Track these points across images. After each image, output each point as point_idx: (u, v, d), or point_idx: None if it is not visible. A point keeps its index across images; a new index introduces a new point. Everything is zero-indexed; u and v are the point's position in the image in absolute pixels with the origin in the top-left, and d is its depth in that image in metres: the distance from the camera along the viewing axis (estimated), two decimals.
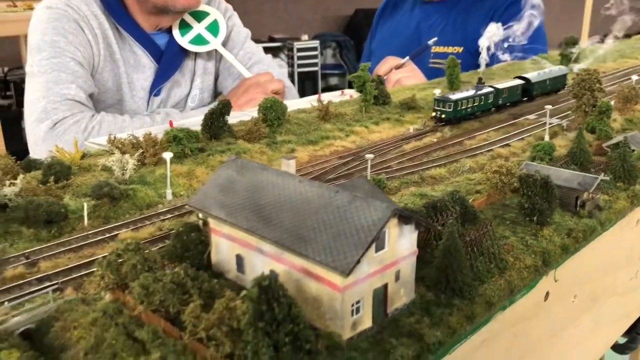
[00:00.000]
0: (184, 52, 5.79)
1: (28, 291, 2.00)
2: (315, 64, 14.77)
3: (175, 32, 5.73)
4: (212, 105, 5.60)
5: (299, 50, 14.57)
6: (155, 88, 5.68)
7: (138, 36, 5.56)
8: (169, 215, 2.64)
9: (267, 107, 3.55)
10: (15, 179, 2.69)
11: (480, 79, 4.14)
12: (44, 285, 2.02)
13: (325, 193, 1.85)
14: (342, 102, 4.30)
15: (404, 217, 1.79)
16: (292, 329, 1.52)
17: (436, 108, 3.72)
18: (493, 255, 2.16)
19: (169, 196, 2.75)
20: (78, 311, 1.94)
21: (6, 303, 1.91)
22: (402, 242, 1.83)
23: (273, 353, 1.50)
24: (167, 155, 2.77)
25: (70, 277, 2.13)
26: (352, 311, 1.76)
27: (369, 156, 2.81)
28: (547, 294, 2.29)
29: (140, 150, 2.94)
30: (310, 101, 4.37)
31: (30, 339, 1.88)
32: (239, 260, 2.01)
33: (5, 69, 13.09)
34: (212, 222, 2.07)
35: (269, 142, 3.45)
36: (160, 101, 5.77)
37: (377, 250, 1.76)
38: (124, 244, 2.00)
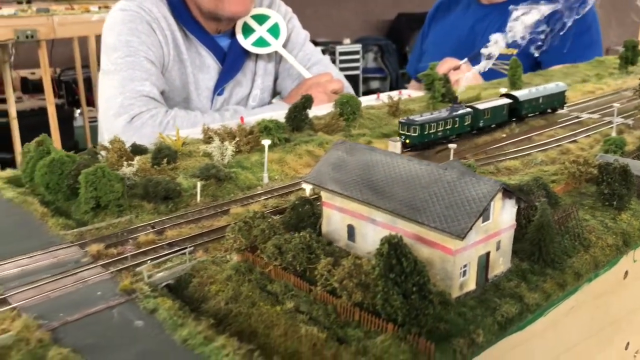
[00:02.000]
0: (246, 54, 6.18)
1: (167, 252, 2.34)
2: (357, 68, 15.10)
3: (239, 35, 6.12)
4: (272, 105, 5.98)
5: (341, 53, 14.92)
6: (219, 88, 6.08)
7: (203, 38, 5.97)
8: (268, 196, 2.97)
9: (343, 103, 3.87)
10: (128, 161, 3.06)
11: (456, 99, 3.90)
12: (180, 248, 2.37)
13: (435, 170, 2.15)
14: (409, 100, 4.60)
15: (508, 192, 2.07)
16: (418, 280, 1.81)
17: (400, 132, 3.42)
18: (577, 234, 2.42)
19: (266, 179, 3.08)
20: (211, 270, 2.27)
21: (149, 262, 2.25)
22: (504, 215, 2.11)
23: (402, 300, 1.80)
24: (266, 142, 3.11)
25: (196, 243, 2.47)
26: (461, 273, 2.04)
27: (452, 146, 3.10)
28: (626, 272, 2.54)
29: (237, 139, 3.28)
30: (367, 101, 4.72)
31: (173, 292, 2.22)
32: (350, 229, 2.32)
33: (58, 70, 13.77)
34: (324, 196, 2.39)
35: (346, 134, 3.77)
36: (223, 100, 6.16)
37: (483, 221, 2.04)
38: (251, 213, 2.33)
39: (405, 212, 2.06)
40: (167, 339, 1.86)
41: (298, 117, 3.61)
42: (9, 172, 3.13)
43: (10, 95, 10.80)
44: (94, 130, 11.24)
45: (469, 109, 3.64)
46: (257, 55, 6.22)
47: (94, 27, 11.56)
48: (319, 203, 2.43)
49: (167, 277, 2.21)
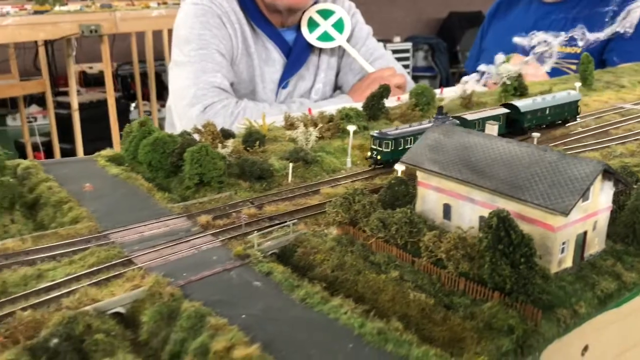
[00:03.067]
0: (310, 48, 6.35)
1: (272, 224, 2.52)
2: (406, 66, 15.17)
3: (304, 29, 6.31)
4: (336, 98, 6.12)
5: (391, 52, 15.00)
6: (284, 81, 6.28)
7: (269, 32, 6.18)
8: (353, 179, 3.13)
9: (419, 93, 3.99)
10: (222, 143, 3.27)
11: (440, 108, 3.28)
12: (283, 221, 2.54)
13: (535, 151, 2.26)
14: (482, 93, 4.68)
15: (609, 173, 2.17)
16: (526, 252, 1.93)
17: (372, 147, 3.03)
18: None
19: (349, 164, 3.24)
20: (313, 241, 2.44)
21: (255, 232, 2.44)
22: (602, 196, 2.21)
23: (510, 270, 1.92)
24: (351, 128, 3.27)
25: (293, 218, 2.65)
26: (560, 250, 2.15)
27: (536, 134, 3.19)
28: None
29: (320, 125, 3.45)
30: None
31: (279, 260, 2.40)
32: (446, 208, 2.45)
33: (115, 64, 14.31)
34: (420, 176, 2.52)
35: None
36: (287, 93, 6.36)
37: (583, 200, 2.14)
38: (351, 189, 2.49)
39: (507, 190, 2.18)
40: (286, 298, 2.04)
41: (375, 106, 3.75)
42: (109, 151, 3.37)
43: (73, 87, 11.31)
44: None
45: (454, 121, 3.22)
46: (320, 50, 6.39)
47: (153, 22, 12.01)
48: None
49: (274, 246, 2.39)
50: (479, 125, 3.32)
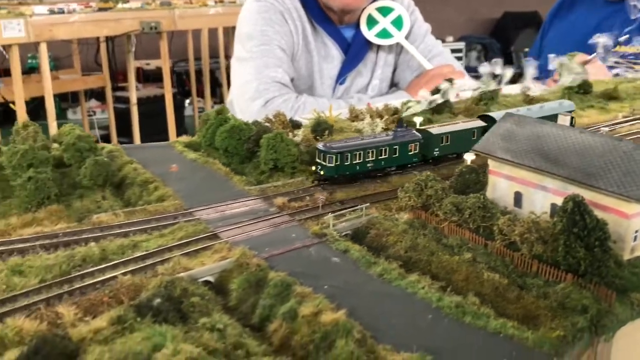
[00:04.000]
0: (368, 45, 6.48)
1: (346, 207, 2.67)
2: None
3: (362, 26, 6.43)
4: (394, 93, 6.21)
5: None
6: (342, 77, 6.43)
7: (329, 29, 6.34)
8: (420, 169, 3.24)
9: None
10: (291, 132, 3.44)
11: (400, 121, 3.21)
12: (354, 205, 2.69)
13: (609, 141, 2.33)
14: (544, 91, 4.71)
15: None
16: (600, 235, 2.01)
17: (317, 160, 2.85)
18: None
19: None
20: (385, 224, 2.57)
21: (330, 214, 2.59)
22: None
23: (585, 252, 2.00)
24: (418, 120, 3.38)
25: (365, 203, 2.78)
26: (633, 238, 2.21)
27: (604, 129, 3.23)
28: None
29: (385, 117, 3.57)
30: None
31: (353, 240, 2.54)
32: (518, 196, 2.54)
33: (171, 61, 14.78)
34: (492, 165, 2.62)
35: None
36: (344, 89, 6.50)
37: None
38: (424, 175, 2.61)
39: (580, 178, 2.26)
40: (363, 273, 2.18)
41: (440, 98, 3.84)
42: (185, 138, 3.60)
43: (132, 83, 11.80)
44: None
45: (416, 135, 3.02)
46: (378, 46, 6.50)
47: (210, 20, 12.40)
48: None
49: (347, 227, 2.54)
50: (448, 139, 3.16)
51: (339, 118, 3.90)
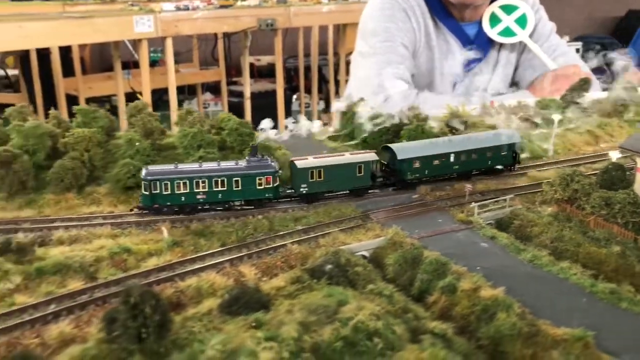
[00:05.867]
0: (491, 43, 6.50)
1: (486, 198, 2.83)
2: None
3: (485, 24, 6.47)
4: (517, 92, 6.19)
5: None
6: (462, 75, 6.50)
7: (451, 26, 6.44)
8: (558, 165, 3.33)
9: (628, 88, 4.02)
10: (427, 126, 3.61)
11: (254, 149, 2.77)
12: (498, 196, 2.84)
13: None
14: None
15: None
16: None
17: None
18: None
19: (551, 151, 3.42)
20: (528, 216, 2.70)
21: (473, 203, 2.76)
22: None
23: None
24: (556, 117, 3.45)
25: (506, 195, 2.92)
26: None
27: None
28: None
29: (520, 114, 3.66)
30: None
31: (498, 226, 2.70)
32: None
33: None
34: (639, 163, 2.66)
35: (620, 119, 3.93)
36: (463, 87, 6.57)
37: None
38: (571, 170, 2.71)
39: None
40: (513, 258, 2.35)
41: (574, 98, 3.87)
42: (326, 129, 3.90)
43: (247, 77, 12.43)
44: (308, 115, 12.42)
45: (271, 167, 2.62)
46: (500, 45, 6.51)
47: (322, 18, 12.79)
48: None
49: (491, 217, 2.70)
50: (317, 175, 2.85)
51: (471, 114, 4.04)
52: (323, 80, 14.60)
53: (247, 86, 12.47)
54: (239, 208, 2.66)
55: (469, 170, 3.15)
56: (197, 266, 2.32)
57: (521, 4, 6.63)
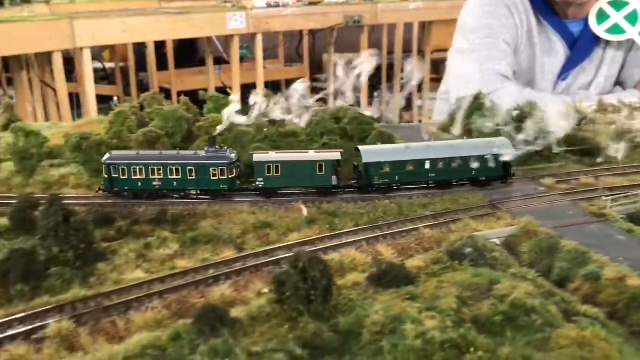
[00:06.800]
0: (596, 40, 6.31)
1: (613, 193, 2.82)
2: None
3: (592, 21, 6.28)
4: (623, 92, 5.98)
5: None
6: (565, 73, 6.37)
7: (555, 24, 6.31)
8: None
9: None
10: None
11: (212, 139, 2.48)
12: (625, 192, 2.82)
13: None
14: None
15: None
16: None
17: None
18: None
19: None
20: None
21: (603, 197, 2.75)
22: None
23: None
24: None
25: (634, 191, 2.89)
26: None
27: None
28: None
29: None
30: None
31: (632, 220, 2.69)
32: None
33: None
34: None
35: None
36: (565, 86, 6.43)
37: None
38: None
39: None
40: None
41: None
42: (434, 121, 3.97)
43: (332, 74, 12.63)
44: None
45: (226, 158, 2.50)
46: (607, 43, 6.33)
47: (409, 15, 12.81)
48: None
49: (623, 211, 2.69)
50: (274, 170, 2.74)
51: (588, 110, 4.00)
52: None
53: (331, 82, 12.66)
54: (195, 198, 2.76)
55: (449, 180, 3.00)
56: (335, 242, 2.51)
57: (632, 0, 6.40)
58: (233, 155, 2.75)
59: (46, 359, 2.30)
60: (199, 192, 2.72)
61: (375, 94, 15.54)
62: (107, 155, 2.87)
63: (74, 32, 10.50)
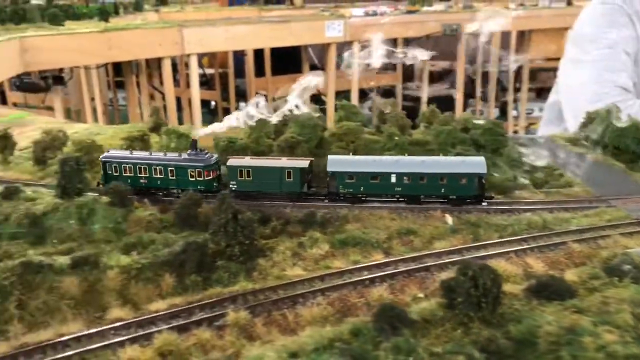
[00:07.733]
0: None
1: None
2: None
3: None
4: None
5: None
6: None
7: None
8: None
9: None
10: None
11: (194, 142, 2.35)
12: None
13: None
14: None
15: None
16: None
17: None
18: None
19: None
20: None
21: None
22: None
23: None
24: None
25: None
26: None
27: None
28: None
29: None
30: None
31: None
32: None
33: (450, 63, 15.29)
34: None
35: None
36: None
37: None
38: None
39: None
40: None
41: None
42: (563, 134, 3.98)
43: (425, 82, 12.69)
44: None
45: (202, 161, 2.44)
46: None
47: (507, 23, 12.58)
48: None
49: None
50: (246, 174, 2.67)
51: None
52: (501, 87, 14.45)
53: (425, 91, 12.76)
54: (178, 196, 2.92)
55: (416, 195, 2.90)
56: (482, 253, 2.57)
57: None
58: (212, 159, 2.87)
59: (228, 345, 2.52)
60: (180, 191, 2.88)
61: (469, 102, 15.47)
62: (104, 154, 2.99)
63: (183, 39, 11.15)
